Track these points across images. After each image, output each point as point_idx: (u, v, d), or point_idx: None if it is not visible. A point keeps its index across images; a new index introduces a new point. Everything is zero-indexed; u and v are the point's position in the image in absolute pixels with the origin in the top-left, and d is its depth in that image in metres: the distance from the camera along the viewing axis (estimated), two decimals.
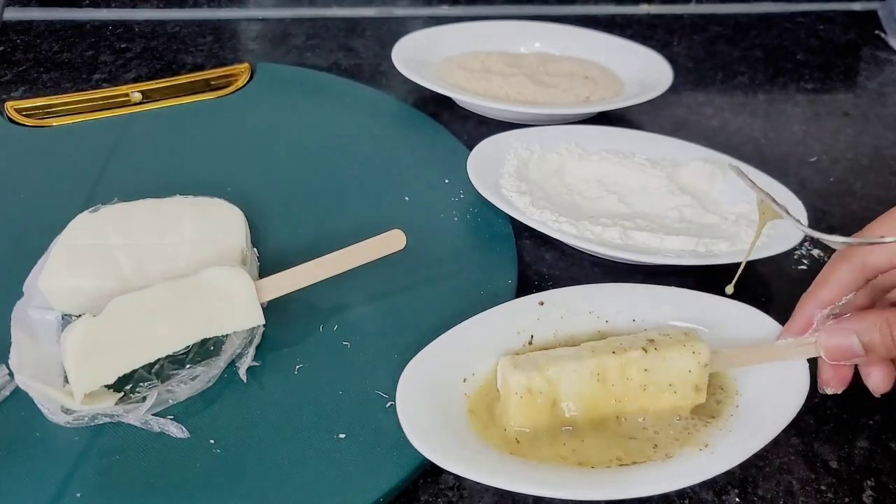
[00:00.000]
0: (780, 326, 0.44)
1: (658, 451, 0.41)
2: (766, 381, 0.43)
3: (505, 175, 0.61)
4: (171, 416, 0.43)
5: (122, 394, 0.44)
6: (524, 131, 0.65)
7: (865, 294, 0.43)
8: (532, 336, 0.47)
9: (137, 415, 0.43)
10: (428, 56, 0.77)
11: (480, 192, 0.57)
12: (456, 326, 0.47)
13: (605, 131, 0.67)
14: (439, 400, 0.43)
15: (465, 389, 0.44)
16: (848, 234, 0.40)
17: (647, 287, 0.49)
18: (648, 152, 0.65)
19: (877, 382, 0.42)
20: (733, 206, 0.60)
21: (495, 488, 0.42)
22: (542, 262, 0.57)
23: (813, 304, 0.42)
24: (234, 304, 0.46)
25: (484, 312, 0.48)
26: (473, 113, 0.74)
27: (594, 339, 0.46)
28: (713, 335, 0.46)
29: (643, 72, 0.75)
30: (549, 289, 0.49)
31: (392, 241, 0.50)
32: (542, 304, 0.48)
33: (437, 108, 0.74)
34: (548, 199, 0.60)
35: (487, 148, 0.63)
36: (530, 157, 0.63)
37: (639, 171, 0.63)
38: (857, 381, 0.42)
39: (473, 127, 0.72)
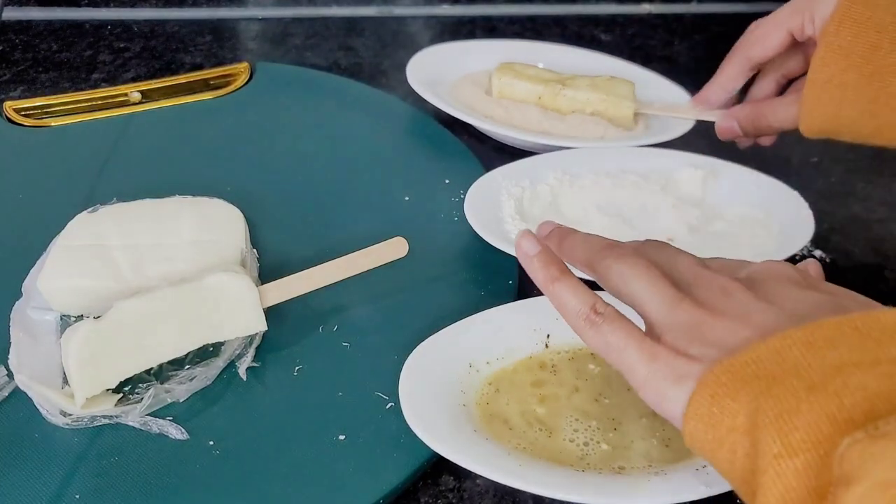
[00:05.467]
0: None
1: (654, 465, 0.41)
2: None
3: (507, 218, 0.58)
4: (171, 418, 0.43)
5: (121, 395, 0.44)
6: (509, 167, 0.62)
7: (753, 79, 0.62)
8: (549, 335, 0.47)
9: (136, 414, 0.43)
10: (446, 71, 0.74)
11: (490, 241, 0.54)
12: (467, 318, 0.47)
13: (588, 152, 0.64)
14: (444, 388, 0.43)
15: (475, 379, 0.44)
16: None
17: None
18: (635, 165, 0.63)
19: (746, 145, 0.64)
20: (731, 207, 0.60)
21: (495, 490, 0.42)
22: None
23: (717, 88, 0.63)
24: (237, 310, 0.46)
25: (498, 307, 0.48)
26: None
27: None
28: None
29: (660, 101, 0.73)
30: None
31: (395, 249, 0.50)
32: None
33: (438, 109, 0.74)
34: None
35: (480, 191, 0.59)
36: (522, 194, 0.60)
37: (634, 190, 0.61)
38: None
39: (475, 129, 0.72)
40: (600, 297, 0.36)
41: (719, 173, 0.62)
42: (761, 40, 0.59)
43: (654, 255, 0.38)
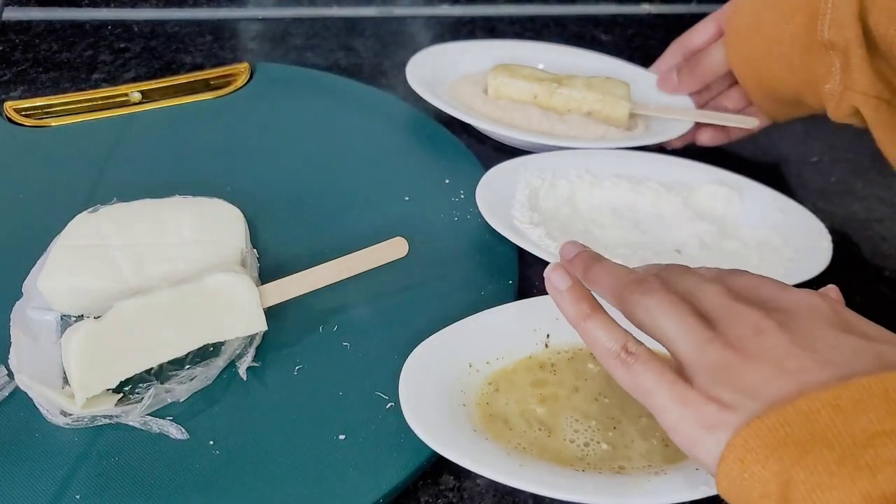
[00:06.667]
0: None
1: (654, 465, 0.41)
2: None
3: (516, 205, 0.58)
4: (171, 417, 0.43)
5: (121, 395, 0.44)
6: (534, 158, 0.62)
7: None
8: (548, 335, 0.47)
9: (136, 414, 0.43)
10: (445, 72, 0.74)
11: (494, 227, 0.55)
12: (467, 318, 0.47)
13: (614, 154, 0.63)
14: (444, 388, 0.44)
15: (475, 379, 0.44)
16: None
17: None
18: (660, 175, 0.62)
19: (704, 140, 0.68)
20: (752, 230, 0.59)
21: (495, 490, 0.42)
22: (543, 263, 0.57)
23: (666, 60, 0.70)
24: (237, 311, 0.46)
25: (498, 307, 0.48)
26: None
27: None
28: None
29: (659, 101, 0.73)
30: None
31: (394, 249, 0.50)
32: None
33: (438, 109, 0.74)
34: (562, 229, 0.58)
35: (499, 174, 0.60)
36: (541, 186, 0.60)
37: (653, 198, 0.61)
38: None
39: (474, 129, 0.72)
40: (632, 335, 0.36)
41: (744, 192, 0.61)
42: (698, 30, 0.68)
43: (680, 284, 0.37)
